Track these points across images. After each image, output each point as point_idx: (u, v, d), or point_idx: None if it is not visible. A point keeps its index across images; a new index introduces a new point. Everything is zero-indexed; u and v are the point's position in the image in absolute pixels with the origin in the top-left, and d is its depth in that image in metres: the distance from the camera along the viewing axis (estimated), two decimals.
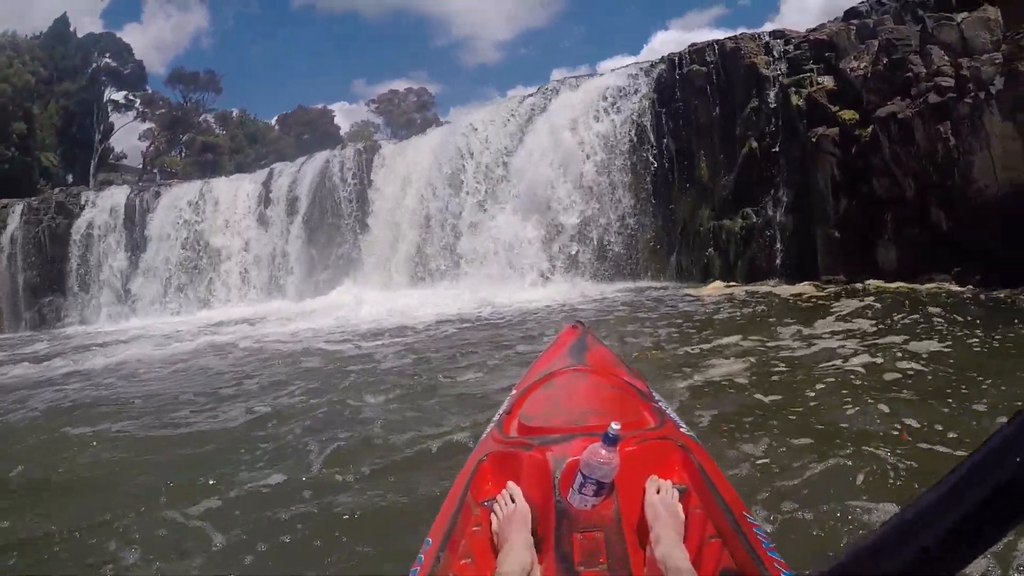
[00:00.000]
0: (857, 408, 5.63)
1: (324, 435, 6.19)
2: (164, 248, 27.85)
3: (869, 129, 13.51)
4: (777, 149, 15.29)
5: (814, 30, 16.06)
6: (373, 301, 17.94)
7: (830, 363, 7.37)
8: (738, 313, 11.55)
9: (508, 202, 18.91)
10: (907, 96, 13.18)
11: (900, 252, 13.03)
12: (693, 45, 17.32)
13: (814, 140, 14.21)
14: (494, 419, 3.00)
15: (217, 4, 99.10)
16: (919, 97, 12.92)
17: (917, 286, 12.12)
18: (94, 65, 47.49)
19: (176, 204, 28.50)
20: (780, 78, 15.51)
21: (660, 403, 3.05)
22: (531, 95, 20.28)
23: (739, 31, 16.89)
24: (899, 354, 7.45)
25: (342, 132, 56.78)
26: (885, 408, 5.56)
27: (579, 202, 17.84)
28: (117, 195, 30.42)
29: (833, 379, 6.71)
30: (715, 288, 14.91)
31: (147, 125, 50.02)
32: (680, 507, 2.18)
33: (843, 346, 8.15)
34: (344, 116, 64.29)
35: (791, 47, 15.90)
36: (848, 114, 14.02)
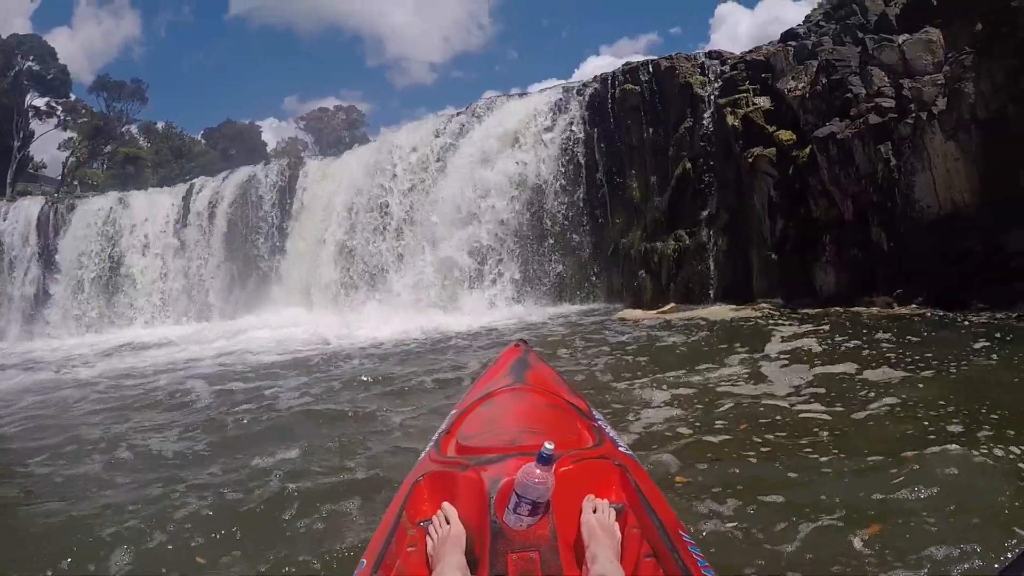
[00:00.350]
0: (821, 454, 5.01)
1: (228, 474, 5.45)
2: (77, 264, 26.58)
3: (807, 150, 13.17)
4: (711, 170, 14.82)
5: (750, 51, 15.81)
6: (290, 325, 17.16)
7: (786, 398, 6.71)
8: (677, 340, 10.86)
9: (435, 222, 17.99)
10: (846, 117, 12.91)
11: (839, 274, 12.64)
12: (627, 64, 16.95)
13: (750, 160, 13.81)
14: (433, 439, 2.94)
15: (149, 12, 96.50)
16: (859, 118, 12.66)
17: (861, 309, 11.68)
18: (16, 68, 44.97)
19: (91, 218, 27.35)
20: (715, 98, 15.14)
21: (600, 422, 3.03)
22: (460, 113, 19.50)
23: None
24: (857, 386, 6.88)
25: (269, 148, 55.42)
26: (845, 446, 5.06)
27: (509, 223, 17.07)
28: (30, 207, 29.03)
29: (790, 418, 6.02)
30: (647, 313, 14.26)
31: (69, 134, 47.56)
32: (616, 526, 2.19)
33: (797, 379, 7.49)
34: (273, 133, 63.15)
35: (727, 67, 15.60)
36: (785, 134, 13.68)
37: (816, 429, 5.61)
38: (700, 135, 15.11)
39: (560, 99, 17.59)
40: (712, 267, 14.40)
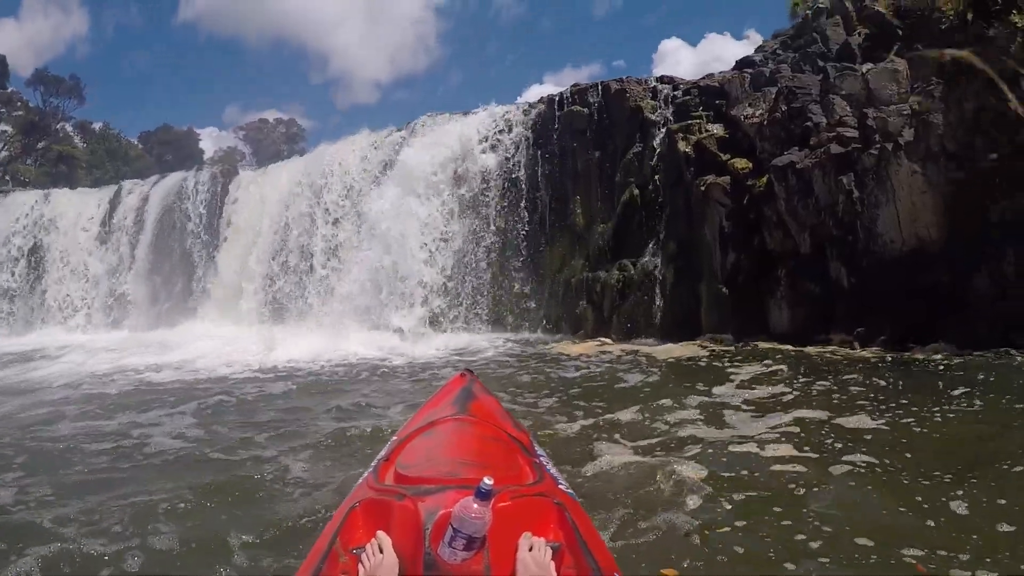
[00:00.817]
0: (803, 523, 4.16)
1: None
2: None
3: (764, 179, 12.49)
4: (660, 198, 14.07)
5: (704, 77, 15.18)
6: (207, 339, 16.10)
7: (754, 447, 5.79)
8: (627, 378, 9.90)
9: (367, 240, 16.85)
10: (806, 146, 12.27)
11: (793, 310, 11.92)
12: (575, 85, 16.11)
13: (703, 188, 13.08)
14: (372, 465, 2.91)
15: (98, 10, 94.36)
16: (819, 147, 12.04)
17: (818, 349, 10.90)
18: None
19: (13, 213, 26.42)
20: (667, 123, 14.40)
21: (541, 458, 2.97)
22: (399, 129, 18.47)
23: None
24: (832, 437, 6.01)
25: (206, 156, 53.46)
26: (838, 513, 4.26)
27: (443, 245, 16.02)
28: None
29: (761, 473, 5.13)
30: (587, 346, 13.30)
31: (2, 127, 45.63)
32: (552, 565, 2.16)
33: (762, 426, 6.58)
34: (212, 141, 61.74)
35: (679, 92, 14.94)
36: (741, 163, 13.00)
37: (794, 488, 4.66)
38: (649, 161, 14.36)
39: (503, 118, 16.65)
40: (658, 299, 13.57)
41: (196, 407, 8.70)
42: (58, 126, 48.00)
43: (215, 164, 26.59)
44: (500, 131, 16.55)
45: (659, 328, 13.42)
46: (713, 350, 11.95)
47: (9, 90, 46.37)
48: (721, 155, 13.46)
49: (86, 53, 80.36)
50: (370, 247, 16.62)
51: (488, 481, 2.09)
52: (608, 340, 13.59)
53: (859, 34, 13.81)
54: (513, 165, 16.20)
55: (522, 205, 16.01)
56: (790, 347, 11.36)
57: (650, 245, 13.97)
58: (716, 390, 8.40)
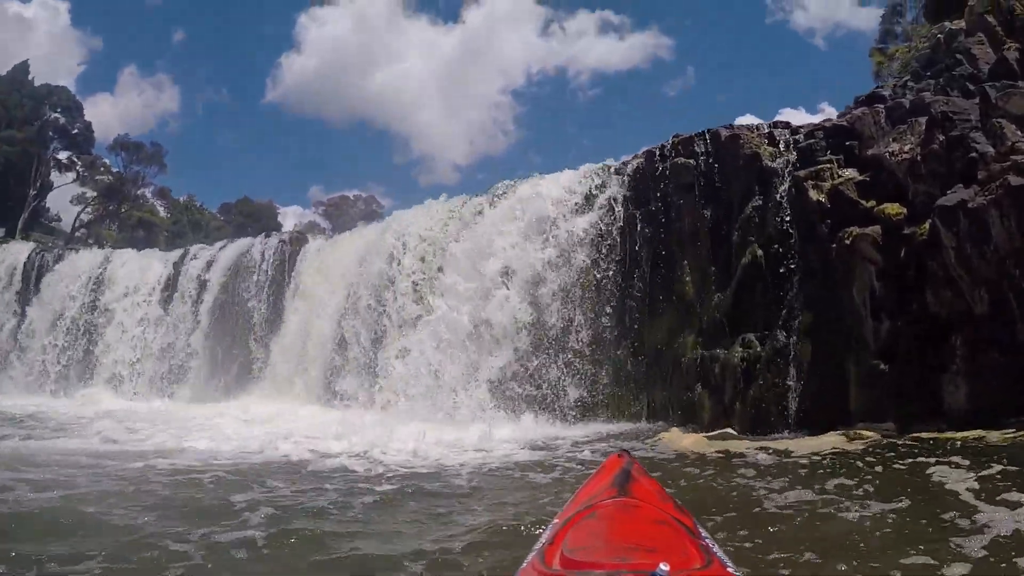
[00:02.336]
0: None
1: None
2: (50, 318, 25.86)
3: (925, 225, 10.19)
4: (790, 258, 11.87)
5: (828, 119, 13.11)
6: (264, 420, 14.79)
7: None
8: (773, 488, 7.62)
9: (439, 318, 15.10)
10: (972, 183, 9.97)
11: (973, 386, 9.48)
12: (677, 136, 14.20)
13: (846, 243, 10.88)
14: (535, 547, 2.91)
15: (189, 89, 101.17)
16: (991, 181, 9.71)
17: (1015, 433, 8.41)
18: (44, 118, 45.87)
19: (76, 271, 26.65)
20: (791, 170, 12.29)
21: (707, 540, 2.94)
22: (478, 195, 17.07)
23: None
24: None
25: (284, 229, 53.96)
26: None
27: (527, 323, 14.12)
28: (18, 251, 28.78)
29: None
30: (703, 441, 10.95)
31: (84, 190, 48.23)
32: None
33: None
34: (294, 218, 63.67)
35: (800, 136, 12.91)
36: (892, 208, 10.78)
37: None
38: (774, 216, 12.22)
39: (595, 177, 14.85)
40: (793, 381, 11.24)
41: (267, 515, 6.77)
42: (138, 192, 50.28)
43: (287, 233, 25.93)
44: (593, 191, 14.71)
45: (795, 417, 11.11)
46: (871, 443, 9.54)
47: (93, 155, 48.65)
48: (863, 202, 11.26)
49: (176, 128, 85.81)
50: (443, 323, 14.81)
51: (664, 567, 2.11)
52: (731, 432, 11.21)
53: (1012, 48, 11.62)
54: (608, 227, 14.30)
55: (620, 273, 14.00)
56: (974, 432, 8.91)
57: (779, 316, 11.74)
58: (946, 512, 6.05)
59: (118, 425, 13.94)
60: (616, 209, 14.40)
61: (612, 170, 15.03)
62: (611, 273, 14.16)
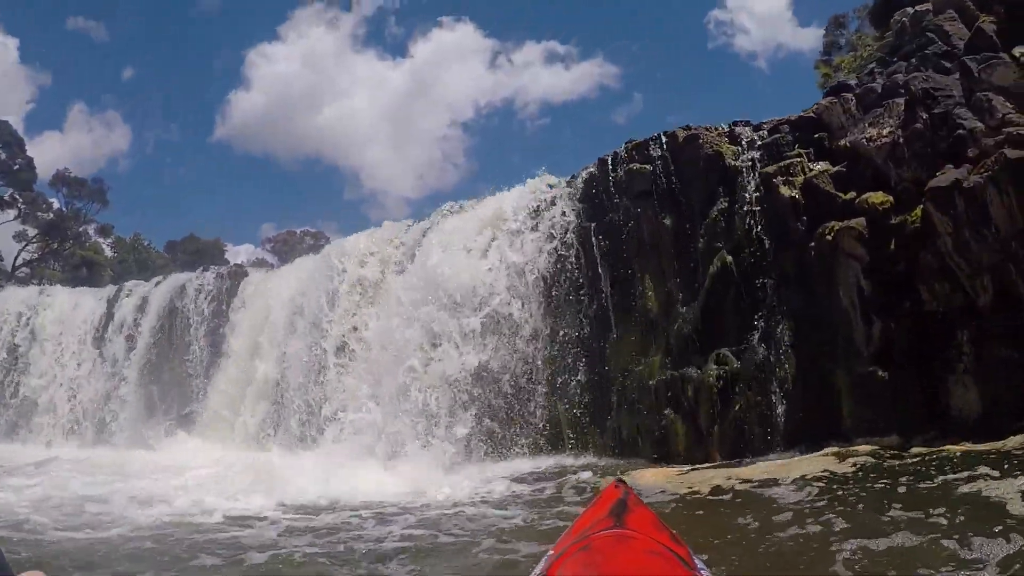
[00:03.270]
0: None
1: None
2: None
3: (917, 211, 9.18)
4: (762, 262, 10.79)
5: (792, 114, 12.18)
6: (193, 467, 13.16)
7: None
8: (768, 524, 6.49)
9: (379, 351, 13.80)
10: (962, 161, 9.05)
11: (985, 387, 8.44)
12: (631, 141, 13.14)
13: (828, 239, 9.83)
14: None
15: (139, 127, 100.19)
16: (983, 158, 8.80)
17: None
18: None
19: (4, 309, 26.03)
20: (757, 168, 11.27)
21: (703, 571, 2.95)
22: (422, 221, 16.06)
23: None
24: None
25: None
26: None
27: (474, 350, 12.78)
28: None
29: None
30: (678, 472, 9.71)
31: (25, 227, 46.49)
32: None
33: None
34: (246, 256, 61.60)
35: (763, 132, 11.93)
36: (876, 197, 9.79)
37: None
38: (742, 219, 11.16)
39: (543, 193, 13.74)
40: (777, 398, 10.05)
41: None
42: (80, 229, 48.63)
43: (224, 267, 24.99)
44: (540, 206, 13.56)
45: (783, 437, 9.93)
46: (872, 460, 8.38)
47: (35, 192, 47.00)
48: (841, 195, 10.26)
49: (126, 166, 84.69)
50: (384, 356, 13.52)
51: None
52: (710, 461, 9.99)
53: (987, 21, 10.82)
54: (559, 244, 13.10)
55: (575, 291, 12.79)
56: (988, 444, 7.83)
57: (756, 327, 10.60)
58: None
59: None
60: (568, 223, 13.21)
61: (563, 183, 13.89)
62: (566, 293, 12.93)
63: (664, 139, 12.64)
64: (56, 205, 47.98)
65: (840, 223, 9.85)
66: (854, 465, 8.42)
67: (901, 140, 9.84)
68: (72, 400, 23.32)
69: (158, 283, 24.29)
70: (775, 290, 10.62)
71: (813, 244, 10.10)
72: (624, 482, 3.73)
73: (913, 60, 11.46)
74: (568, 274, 12.98)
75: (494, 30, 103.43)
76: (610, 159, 13.18)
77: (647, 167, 12.57)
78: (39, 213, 46.66)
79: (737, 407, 10.42)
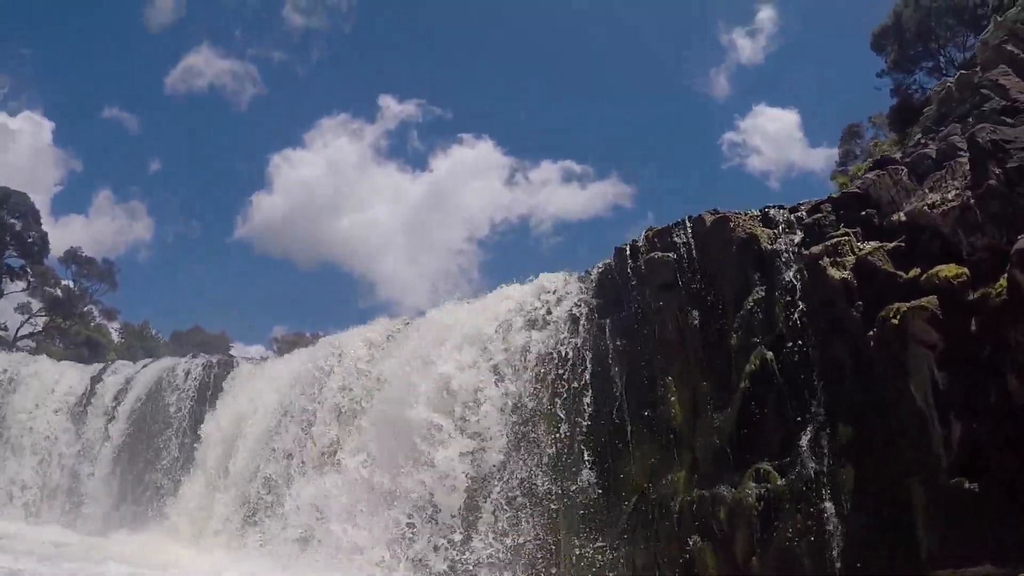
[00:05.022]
0: None
1: None
2: None
3: (1000, 283, 7.49)
4: (810, 358, 9.04)
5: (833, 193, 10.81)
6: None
7: None
8: None
9: (360, 460, 12.00)
10: None
11: None
12: (652, 229, 11.69)
13: (893, 323, 8.11)
14: None
15: (162, 220, 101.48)
16: None
17: None
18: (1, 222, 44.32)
19: None
20: (798, 251, 9.70)
21: None
22: (418, 316, 15.13)
23: None
24: None
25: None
26: None
27: (468, 465, 10.98)
28: None
29: None
30: None
31: (31, 300, 46.11)
32: None
33: None
34: (252, 355, 59.90)
35: (801, 214, 10.46)
36: (948, 270, 8.11)
37: None
38: (783, 308, 9.51)
39: (554, 286, 12.26)
40: (833, 521, 8.06)
41: None
42: (85, 308, 48.32)
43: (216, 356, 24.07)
44: (550, 303, 12.05)
45: (842, 569, 7.85)
46: None
47: (44, 266, 46.82)
48: (902, 273, 8.57)
49: (146, 256, 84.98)
50: (361, 463, 11.70)
51: None
52: None
53: None
54: (569, 345, 11.48)
55: (585, 397, 11.00)
56: None
57: (804, 435, 8.72)
58: None
59: None
60: (580, 322, 11.59)
61: (575, 277, 12.39)
62: (575, 399, 11.14)
63: (689, 224, 11.19)
64: (64, 282, 48.06)
65: (907, 304, 8.13)
66: None
67: (972, 202, 8.26)
68: (43, 476, 22.36)
69: (146, 364, 23.53)
70: (826, 389, 8.81)
71: (874, 331, 8.37)
72: None
73: (970, 120, 10.08)
74: (577, 376, 11.23)
75: (512, 148, 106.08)
76: (628, 248, 11.73)
77: (670, 255, 11.06)
78: (47, 288, 46.54)
79: (783, 533, 8.40)
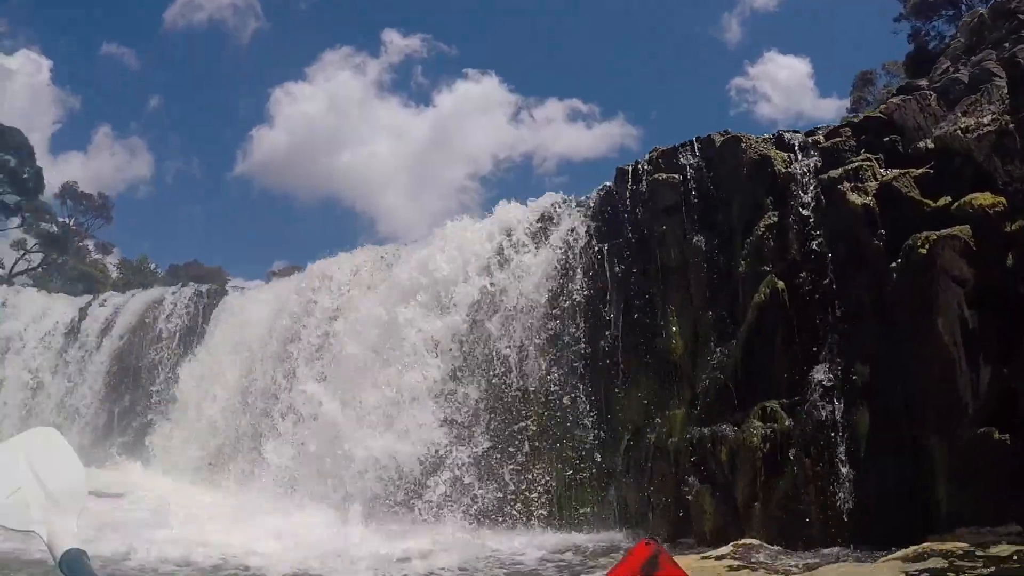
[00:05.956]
0: None
1: None
2: None
3: None
4: (826, 289, 8.28)
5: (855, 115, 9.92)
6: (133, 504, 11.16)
7: None
8: None
9: (341, 388, 11.35)
10: None
11: None
12: (656, 149, 10.76)
13: (921, 253, 7.28)
14: None
15: (161, 156, 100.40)
16: None
17: None
18: None
19: None
20: (815, 174, 8.85)
21: None
22: (416, 240, 14.22)
23: None
24: None
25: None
26: None
27: (456, 397, 10.28)
28: None
29: None
30: (700, 560, 7.10)
31: (26, 236, 44.99)
32: None
33: None
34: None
35: (819, 138, 9.57)
36: (984, 198, 7.25)
37: None
38: (797, 235, 8.68)
39: (549, 210, 11.39)
40: (845, 468, 7.38)
41: None
42: (81, 243, 47.85)
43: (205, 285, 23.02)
44: (546, 227, 11.22)
45: (851, 524, 7.20)
46: (986, 562, 5.74)
47: (39, 202, 45.95)
48: (930, 202, 7.75)
49: (145, 193, 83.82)
50: (341, 392, 11.00)
51: None
52: (751, 542, 7.34)
53: None
54: (564, 268, 10.64)
55: (580, 326, 10.26)
56: None
57: (815, 374, 7.97)
58: None
59: None
60: (577, 246, 10.77)
61: (573, 203, 11.53)
62: (568, 327, 10.40)
63: (697, 144, 10.27)
64: (60, 218, 47.34)
65: (936, 233, 7.33)
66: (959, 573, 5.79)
67: (1011, 127, 7.39)
68: (28, 408, 21.74)
69: (134, 294, 22.97)
70: (842, 325, 8.06)
71: (898, 263, 7.59)
72: (656, 540, 3.15)
73: (1006, 46, 9.15)
74: (572, 305, 10.46)
75: (518, 85, 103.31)
76: (630, 169, 10.80)
77: (675, 177, 10.17)
78: (42, 224, 45.81)
79: (789, 479, 7.74)
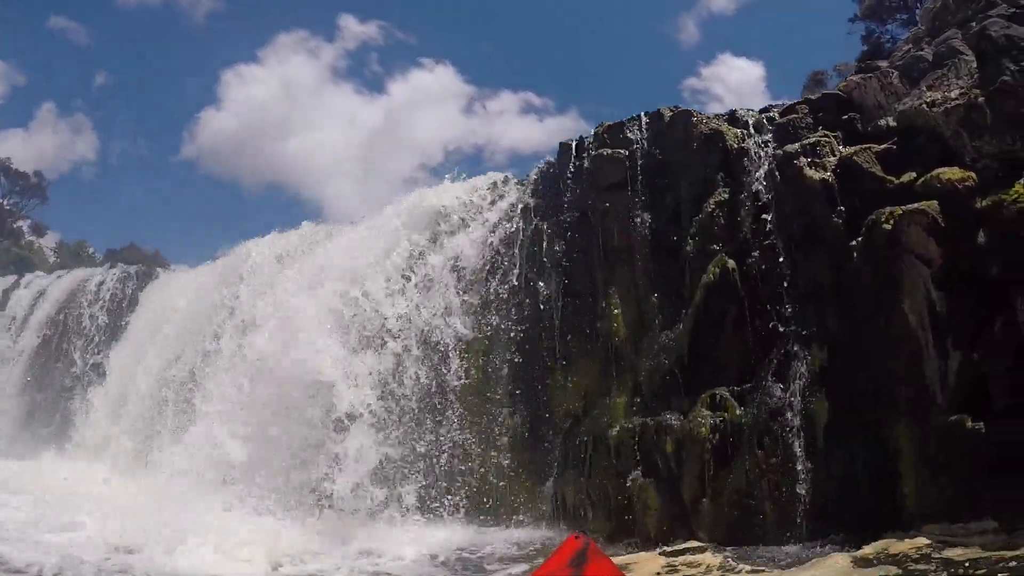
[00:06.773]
0: None
1: None
2: None
3: (1018, 187, 6.13)
4: (781, 268, 7.66)
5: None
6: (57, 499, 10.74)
7: None
8: None
9: (259, 377, 10.41)
10: None
11: None
12: (602, 124, 10.08)
13: (885, 229, 6.68)
14: None
15: (107, 137, 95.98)
16: None
17: None
18: None
19: None
20: (770, 149, 8.25)
21: None
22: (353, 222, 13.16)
23: None
24: None
25: None
26: None
27: (384, 382, 9.45)
28: None
29: None
30: (639, 559, 6.47)
31: None
32: None
33: None
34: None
35: (773, 114, 9.01)
36: (952, 172, 6.69)
37: None
38: (749, 212, 8.07)
39: (490, 187, 10.67)
40: (801, 463, 6.77)
41: None
42: (15, 225, 45.48)
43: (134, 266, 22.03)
44: (484, 203, 10.46)
45: (808, 520, 6.60)
46: (954, 563, 5.19)
47: None
48: (893, 178, 7.19)
49: (89, 174, 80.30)
50: (266, 384, 10.00)
51: None
52: (696, 544, 6.70)
53: None
54: (503, 249, 9.91)
55: (516, 308, 9.52)
56: None
57: (770, 358, 7.37)
58: None
59: None
60: (515, 223, 10.03)
61: (513, 180, 10.78)
62: (505, 310, 9.64)
63: (645, 119, 9.59)
64: None
65: (902, 208, 6.75)
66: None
67: (981, 101, 6.84)
68: None
69: (59, 275, 22.05)
70: (798, 306, 7.46)
71: (859, 241, 7.00)
72: (584, 533, 3.98)
73: (972, 25, 8.67)
74: (507, 285, 9.72)
75: (473, 76, 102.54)
76: (574, 144, 10.10)
77: (621, 152, 9.49)
78: None
79: (740, 473, 7.10)
